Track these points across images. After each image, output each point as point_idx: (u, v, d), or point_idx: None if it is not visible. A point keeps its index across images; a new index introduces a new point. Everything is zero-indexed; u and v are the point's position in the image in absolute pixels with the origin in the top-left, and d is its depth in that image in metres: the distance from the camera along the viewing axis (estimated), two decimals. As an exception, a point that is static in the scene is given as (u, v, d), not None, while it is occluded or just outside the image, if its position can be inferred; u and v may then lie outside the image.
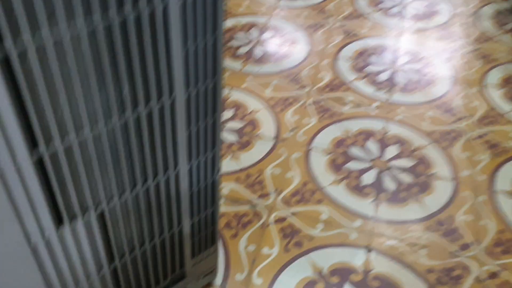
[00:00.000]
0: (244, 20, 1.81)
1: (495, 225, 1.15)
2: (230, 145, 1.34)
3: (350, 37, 1.75)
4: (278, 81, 1.55)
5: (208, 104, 0.70)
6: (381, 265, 1.07)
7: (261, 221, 1.16)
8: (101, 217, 0.69)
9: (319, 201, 1.21)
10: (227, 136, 1.37)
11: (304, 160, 1.32)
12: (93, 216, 0.67)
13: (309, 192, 1.24)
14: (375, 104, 1.49)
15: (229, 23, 1.79)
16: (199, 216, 0.87)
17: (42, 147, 0.53)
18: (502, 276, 1.05)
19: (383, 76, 1.59)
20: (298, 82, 1.56)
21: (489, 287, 1.03)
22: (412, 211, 1.19)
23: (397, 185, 1.24)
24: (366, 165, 1.30)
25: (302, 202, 1.21)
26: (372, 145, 1.36)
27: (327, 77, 1.57)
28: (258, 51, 1.67)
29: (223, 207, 1.17)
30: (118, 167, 0.64)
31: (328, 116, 1.46)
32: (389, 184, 1.25)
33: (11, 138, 0.50)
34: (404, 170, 1.28)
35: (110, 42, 0.52)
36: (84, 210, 0.65)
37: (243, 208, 1.19)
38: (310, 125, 1.43)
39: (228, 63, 1.61)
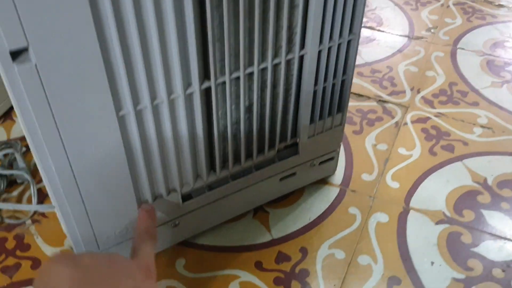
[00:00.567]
0: None
1: None
2: (351, 38, 1.05)
3: None
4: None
5: None
6: None
7: (395, 120, 0.86)
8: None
9: (474, 104, 0.89)
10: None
11: (449, 60, 1.00)
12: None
13: (458, 93, 0.92)
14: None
15: None
16: (326, 82, 0.60)
17: None
18: None
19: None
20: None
21: None
22: None
23: None
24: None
25: (450, 103, 0.89)
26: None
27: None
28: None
29: (342, 102, 0.89)
30: None
31: (478, 18, 1.12)
32: None
33: None
34: None
35: None
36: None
37: (369, 104, 0.89)
38: (454, 25, 1.10)
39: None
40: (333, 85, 0.61)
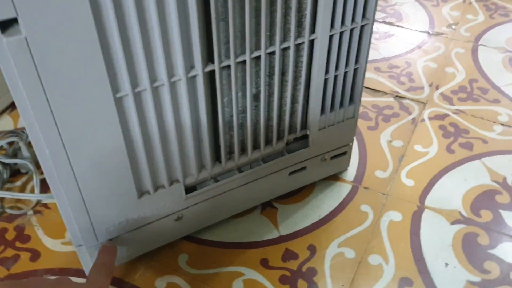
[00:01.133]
0: None
1: None
2: (368, 33, 1.02)
3: None
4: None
5: None
6: None
7: (412, 116, 0.82)
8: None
9: (494, 101, 0.85)
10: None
11: (470, 56, 0.96)
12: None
13: (479, 90, 0.88)
14: None
15: None
16: (338, 71, 0.57)
17: None
18: None
19: None
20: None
21: None
22: None
23: None
24: None
25: (470, 100, 0.86)
26: None
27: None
28: None
29: (357, 97, 0.85)
30: None
31: (501, 15, 1.08)
32: None
33: None
34: None
35: None
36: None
37: (386, 100, 0.86)
38: (476, 22, 1.06)
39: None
40: (345, 74, 0.58)
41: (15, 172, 0.74)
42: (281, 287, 0.59)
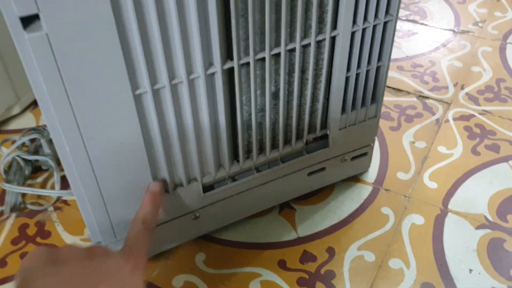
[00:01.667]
0: None
1: None
2: (391, 32, 1.00)
3: None
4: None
5: None
6: None
7: (435, 116, 0.80)
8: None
9: (523, 102, 0.83)
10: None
11: (497, 55, 0.93)
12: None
13: (506, 90, 0.85)
14: None
15: None
16: (360, 69, 0.56)
17: None
18: None
19: None
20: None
21: None
22: None
23: None
24: None
25: (497, 101, 0.83)
26: None
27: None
28: None
29: (379, 97, 0.84)
30: None
31: (531, 12, 1.05)
32: None
33: None
34: None
35: None
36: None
37: (408, 100, 0.84)
38: (504, 19, 1.03)
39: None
40: (367, 72, 0.57)
41: (37, 169, 0.75)
42: (299, 289, 0.58)
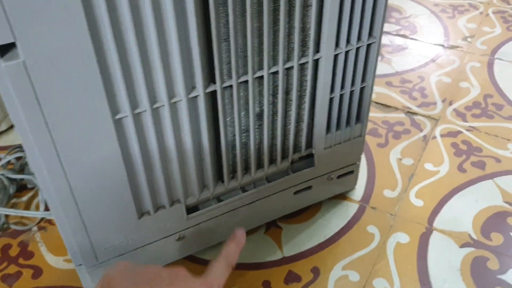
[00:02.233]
0: None
1: None
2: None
3: None
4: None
5: None
6: None
7: (423, 133, 0.81)
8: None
9: (509, 118, 0.83)
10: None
11: (485, 70, 0.94)
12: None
13: (493, 106, 0.86)
14: None
15: None
16: (344, 90, 0.56)
17: None
18: None
19: None
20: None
21: None
22: None
23: None
24: None
25: (484, 117, 0.83)
26: None
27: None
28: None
29: (367, 112, 0.84)
30: None
31: (519, 27, 1.06)
32: None
33: None
34: None
35: None
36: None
37: (396, 116, 0.84)
38: (493, 34, 1.04)
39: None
40: (351, 93, 0.57)
41: (22, 187, 0.75)
42: (284, 310, 0.57)
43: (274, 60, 0.49)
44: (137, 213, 0.52)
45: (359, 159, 0.66)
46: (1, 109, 0.82)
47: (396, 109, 0.86)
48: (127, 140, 0.47)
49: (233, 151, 0.55)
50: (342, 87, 0.56)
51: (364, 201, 0.70)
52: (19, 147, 0.75)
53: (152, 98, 0.45)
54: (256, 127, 0.54)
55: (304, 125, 0.57)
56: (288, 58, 0.50)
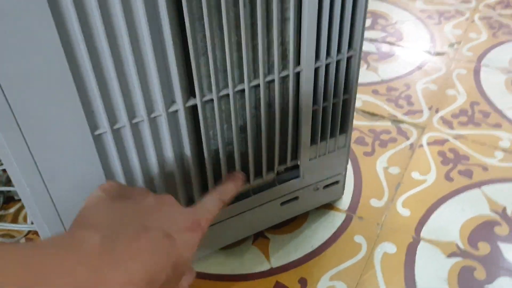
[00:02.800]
0: None
1: None
2: (366, 54, 1.01)
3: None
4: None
5: None
6: None
7: (409, 141, 0.81)
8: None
9: (496, 125, 0.83)
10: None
11: (471, 77, 0.94)
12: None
13: (480, 113, 0.86)
14: None
15: None
16: (327, 102, 0.56)
17: None
18: None
19: None
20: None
21: None
22: None
23: None
24: None
25: (471, 125, 0.84)
26: None
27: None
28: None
29: (354, 121, 0.84)
30: None
31: (505, 33, 1.06)
32: None
33: None
34: None
35: None
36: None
37: (383, 124, 0.84)
38: (479, 40, 1.04)
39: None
40: (334, 104, 0.57)
41: (9, 199, 0.74)
42: (270, 323, 0.57)
43: (255, 74, 0.49)
44: (120, 228, 0.52)
45: (344, 169, 0.66)
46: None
47: (383, 117, 0.86)
48: (108, 155, 0.46)
49: (217, 164, 0.55)
50: (325, 99, 0.56)
51: (351, 210, 0.70)
52: (5, 161, 0.75)
53: (131, 113, 0.45)
54: (240, 139, 0.54)
55: (289, 137, 0.57)
56: (269, 72, 0.50)
